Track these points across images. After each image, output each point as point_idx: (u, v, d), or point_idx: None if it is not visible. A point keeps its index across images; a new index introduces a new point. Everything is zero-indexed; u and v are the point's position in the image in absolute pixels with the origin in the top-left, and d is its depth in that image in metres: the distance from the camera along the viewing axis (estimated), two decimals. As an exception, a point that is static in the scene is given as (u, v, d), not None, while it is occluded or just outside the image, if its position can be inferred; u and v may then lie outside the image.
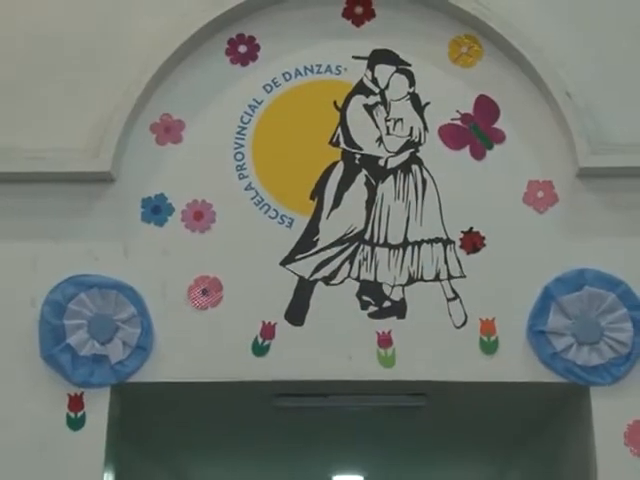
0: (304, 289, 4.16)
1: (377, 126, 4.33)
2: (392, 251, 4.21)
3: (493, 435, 6.07)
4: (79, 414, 4.02)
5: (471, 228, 4.21)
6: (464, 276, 4.17)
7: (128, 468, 4.88)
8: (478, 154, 4.28)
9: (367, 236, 4.22)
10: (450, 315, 4.13)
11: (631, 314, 4.04)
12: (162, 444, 6.45)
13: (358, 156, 4.30)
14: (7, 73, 4.37)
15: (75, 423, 4.02)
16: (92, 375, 4.04)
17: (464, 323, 4.12)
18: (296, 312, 4.14)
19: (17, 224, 4.22)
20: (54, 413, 4.02)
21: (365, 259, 4.20)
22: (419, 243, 4.22)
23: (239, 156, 4.29)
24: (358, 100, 4.35)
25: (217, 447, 6.68)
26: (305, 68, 4.37)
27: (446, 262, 4.19)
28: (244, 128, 4.32)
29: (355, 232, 4.23)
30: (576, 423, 4.33)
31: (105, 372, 4.06)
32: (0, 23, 4.44)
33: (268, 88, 4.36)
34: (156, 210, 4.23)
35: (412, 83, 4.35)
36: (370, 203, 4.25)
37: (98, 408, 4.04)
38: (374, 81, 4.35)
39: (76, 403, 4.03)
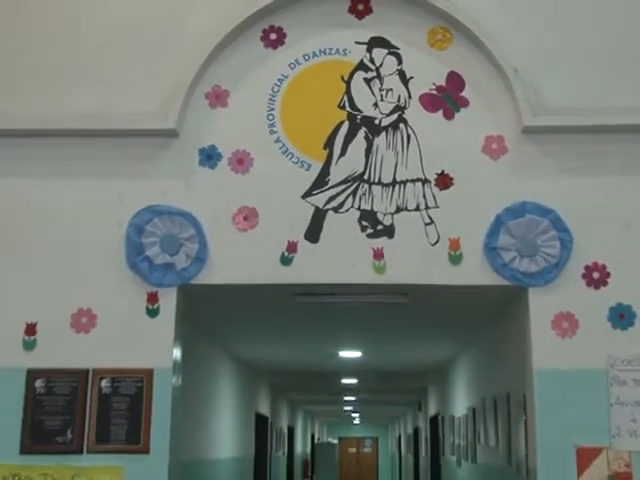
0: (319, 216, 4.23)
1: (373, 94, 4.36)
2: (384, 188, 4.26)
3: (458, 324, 6.22)
4: (155, 306, 4.15)
5: (443, 171, 4.28)
6: (437, 207, 4.23)
7: (190, 345, 5.01)
8: (449, 115, 4.32)
9: (366, 177, 4.28)
10: (427, 236, 4.21)
11: (559, 235, 4.13)
12: (214, 328, 6.61)
13: (359, 117, 4.34)
14: (98, 57, 4.43)
15: (152, 312, 4.14)
16: (164, 278, 4.17)
17: (437, 241, 4.20)
18: (313, 233, 4.21)
19: (108, 168, 4.32)
20: (137, 305, 4.16)
21: (364, 194, 4.26)
22: (404, 182, 4.27)
23: (270, 117, 4.35)
24: (359, 75, 4.37)
25: (253, 331, 6.80)
26: (320, 51, 4.40)
27: (424, 196, 4.25)
28: (274, 96, 4.37)
29: (357, 174, 4.28)
30: (518, 314, 4.43)
31: (173, 276, 4.16)
32: (97, 18, 4.48)
33: (292, 66, 4.41)
34: (209, 157, 4.30)
35: (400, 62, 4.38)
36: (368, 152, 4.31)
37: (168, 302, 4.16)
38: (371, 61, 4.38)
39: (152, 298, 4.16)
